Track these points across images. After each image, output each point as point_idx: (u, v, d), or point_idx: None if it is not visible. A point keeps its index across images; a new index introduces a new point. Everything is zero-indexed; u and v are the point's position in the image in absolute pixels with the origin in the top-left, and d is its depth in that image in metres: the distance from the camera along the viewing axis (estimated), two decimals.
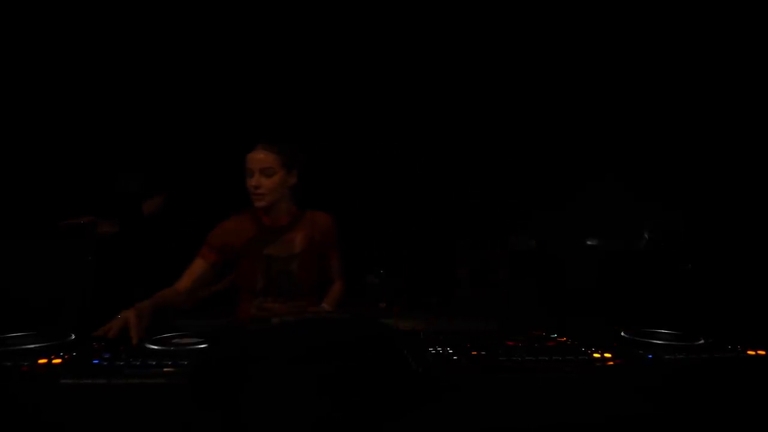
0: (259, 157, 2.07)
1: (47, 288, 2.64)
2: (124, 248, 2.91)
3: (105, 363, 1.40)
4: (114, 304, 2.79)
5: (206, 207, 3.66)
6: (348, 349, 0.96)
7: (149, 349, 1.53)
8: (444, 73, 3.72)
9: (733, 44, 3.01)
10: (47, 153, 3.16)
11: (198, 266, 2.14)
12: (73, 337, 1.64)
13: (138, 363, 1.39)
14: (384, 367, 1.00)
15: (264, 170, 2.07)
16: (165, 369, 1.28)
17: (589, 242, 3.12)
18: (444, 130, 3.86)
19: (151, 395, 1.20)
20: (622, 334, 1.83)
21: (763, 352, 1.67)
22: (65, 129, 3.34)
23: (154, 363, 1.39)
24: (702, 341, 1.75)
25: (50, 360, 1.41)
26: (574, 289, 2.90)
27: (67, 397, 1.20)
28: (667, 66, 3.22)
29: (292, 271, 2.18)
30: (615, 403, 1.41)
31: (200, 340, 1.55)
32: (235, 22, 3.49)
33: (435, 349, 1.60)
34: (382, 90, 3.76)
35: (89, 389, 1.21)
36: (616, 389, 1.46)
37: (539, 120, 3.67)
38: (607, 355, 1.61)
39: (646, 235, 2.93)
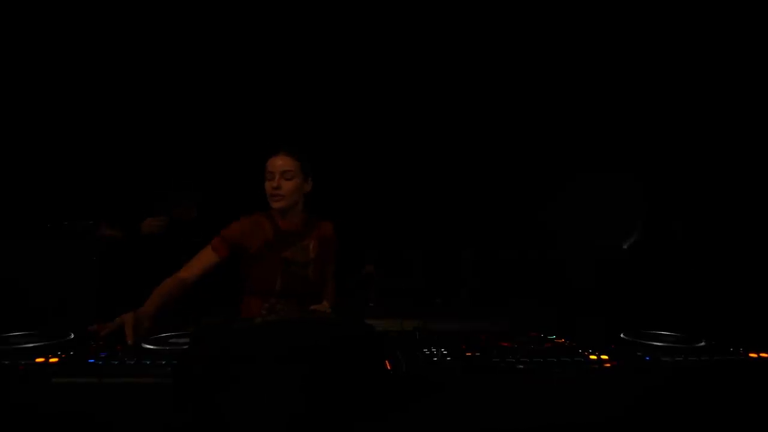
0: (281, 162, 2.21)
1: (51, 288, 2.69)
2: (128, 251, 2.94)
3: (100, 362, 1.42)
4: (118, 304, 2.84)
5: (212, 212, 3.68)
6: (329, 350, 0.96)
7: (145, 348, 1.55)
8: (446, 73, 3.72)
9: (735, 42, 2.96)
10: (53, 154, 3.20)
11: (208, 258, 2.17)
12: (72, 336, 1.67)
13: (132, 362, 1.41)
14: (365, 368, 1.00)
15: (284, 173, 2.20)
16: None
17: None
18: (449, 131, 3.85)
19: (142, 394, 1.22)
20: (622, 335, 1.81)
21: (765, 355, 1.64)
22: (71, 130, 3.37)
23: (148, 362, 1.41)
24: (703, 343, 1.73)
25: (47, 358, 1.44)
26: (577, 290, 2.88)
27: (58, 395, 1.22)
28: (669, 65, 3.19)
29: (308, 276, 2.29)
30: (609, 406, 1.39)
31: None
32: (232, 22, 3.50)
33: (429, 350, 1.60)
34: (385, 91, 3.76)
35: (80, 388, 1.23)
36: (611, 391, 1.44)
37: (542, 123, 3.64)
38: (604, 357, 1.59)
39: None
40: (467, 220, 3.75)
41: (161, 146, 3.53)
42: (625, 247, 3.03)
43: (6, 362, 1.39)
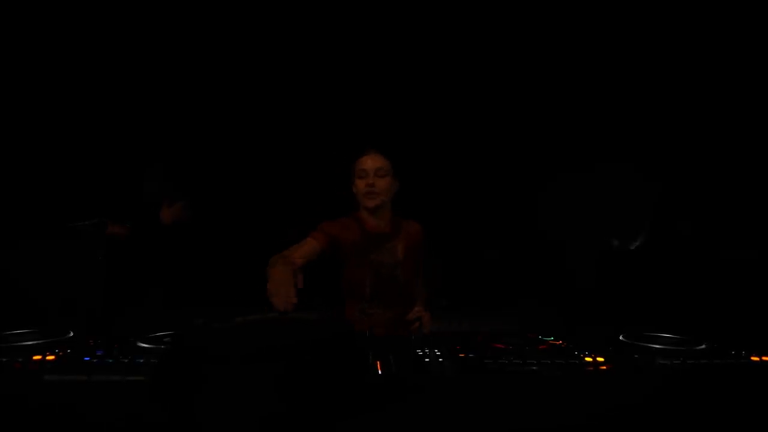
0: (373, 159, 2.25)
1: (57, 287, 2.74)
2: (135, 250, 2.97)
3: (95, 360, 1.44)
4: (124, 303, 2.88)
5: (227, 215, 3.71)
6: (307, 349, 0.96)
7: (140, 347, 1.57)
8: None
9: (744, 42, 2.90)
10: (62, 152, 3.23)
11: (311, 246, 2.15)
12: (72, 334, 1.70)
13: (126, 360, 1.43)
14: (344, 368, 1.00)
15: (378, 171, 2.22)
16: None
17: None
18: (459, 127, 3.81)
19: (132, 392, 1.23)
20: (621, 337, 1.79)
21: (767, 358, 1.60)
22: (82, 127, 3.40)
23: (141, 360, 1.43)
24: (703, 346, 1.69)
25: (44, 356, 1.46)
26: (579, 291, 2.85)
27: (50, 392, 1.24)
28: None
29: (398, 277, 2.27)
30: (603, 409, 1.37)
31: None
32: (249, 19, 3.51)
33: (422, 351, 1.59)
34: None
35: (71, 385, 1.25)
36: (606, 394, 1.42)
37: (547, 122, 3.61)
38: (600, 359, 1.57)
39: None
40: (471, 220, 3.73)
41: (162, 146, 3.56)
42: (632, 248, 2.99)
43: (4, 359, 1.43)
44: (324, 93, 3.75)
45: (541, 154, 3.61)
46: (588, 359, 1.57)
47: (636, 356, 1.60)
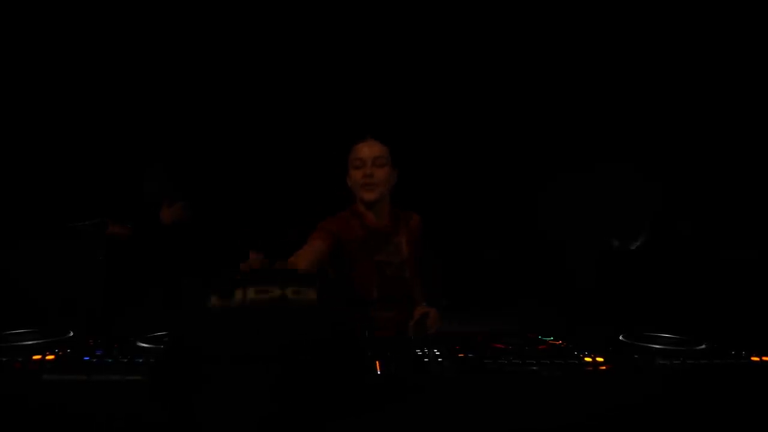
0: (371, 146, 2.07)
1: (57, 287, 2.74)
2: (135, 250, 2.98)
3: (95, 360, 1.44)
4: (124, 303, 2.89)
5: (227, 215, 3.71)
6: (307, 348, 0.97)
7: (140, 347, 1.57)
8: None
9: (744, 42, 2.91)
10: (62, 152, 3.24)
11: (318, 246, 1.95)
12: (72, 334, 1.70)
13: (126, 360, 1.43)
14: (344, 368, 1.00)
15: (376, 160, 2.04)
16: None
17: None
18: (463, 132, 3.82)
19: (130, 392, 1.23)
20: (621, 337, 1.79)
21: (767, 358, 1.60)
22: (83, 127, 3.41)
23: (140, 360, 1.43)
24: (703, 346, 1.69)
25: (44, 356, 1.46)
26: (579, 291, 2.86)
27: (48, 392, 1.24)
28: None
29: (405, 278, 2.14)
30: (602, 410, 1.37)
31: None
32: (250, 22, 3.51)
33: (422, 351, 1.59)
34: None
35: (70, 385, 1.25)
36: (605, 395, 1.42)
37: (549, 121, 3.61)
38: (600, 359, 1.57)
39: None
40: (471, 220, 3.73)
41: (162, 146, 3.56)
42: (632, 248, 3.00)
43: (4, 359, 1.43)
44: (322, 88, 3.75)
45: (541, 154, 3.61)
46: (588, 359, 1.56)
47: (636, 356, 1.60)
